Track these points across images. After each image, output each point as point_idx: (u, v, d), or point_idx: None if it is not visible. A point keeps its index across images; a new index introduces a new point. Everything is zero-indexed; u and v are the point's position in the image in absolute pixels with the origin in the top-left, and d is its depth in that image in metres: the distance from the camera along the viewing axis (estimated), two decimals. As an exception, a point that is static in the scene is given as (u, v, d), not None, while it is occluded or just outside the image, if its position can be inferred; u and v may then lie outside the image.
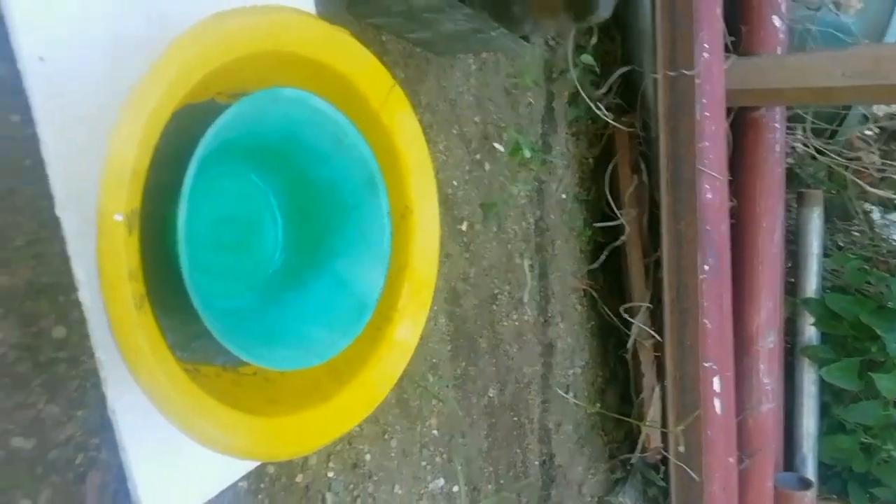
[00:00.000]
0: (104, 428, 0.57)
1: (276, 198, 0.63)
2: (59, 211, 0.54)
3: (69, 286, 0.55)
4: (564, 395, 1.21)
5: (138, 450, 0.57)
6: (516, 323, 1.09)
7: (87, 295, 0.56)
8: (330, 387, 0.61)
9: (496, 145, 1.03)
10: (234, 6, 0.51)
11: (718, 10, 1.17)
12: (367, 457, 0.82)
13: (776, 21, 1.29)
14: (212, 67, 0.47)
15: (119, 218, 0.41)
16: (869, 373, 1.33)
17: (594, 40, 1.20)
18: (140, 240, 0.47)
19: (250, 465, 0.67)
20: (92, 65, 0.50)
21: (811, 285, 1.48)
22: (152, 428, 0.58)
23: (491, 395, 1.04)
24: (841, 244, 1.68)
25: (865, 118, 1.47)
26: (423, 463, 0.90)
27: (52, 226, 0.54)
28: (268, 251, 0.64)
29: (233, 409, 0.50)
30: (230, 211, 0.61)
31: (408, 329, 0.67)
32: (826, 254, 1.53)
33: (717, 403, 1.22)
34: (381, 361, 0.64)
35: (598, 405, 1.29)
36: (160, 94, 0.42)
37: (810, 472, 1.47)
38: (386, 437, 0.85)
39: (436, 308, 0.92)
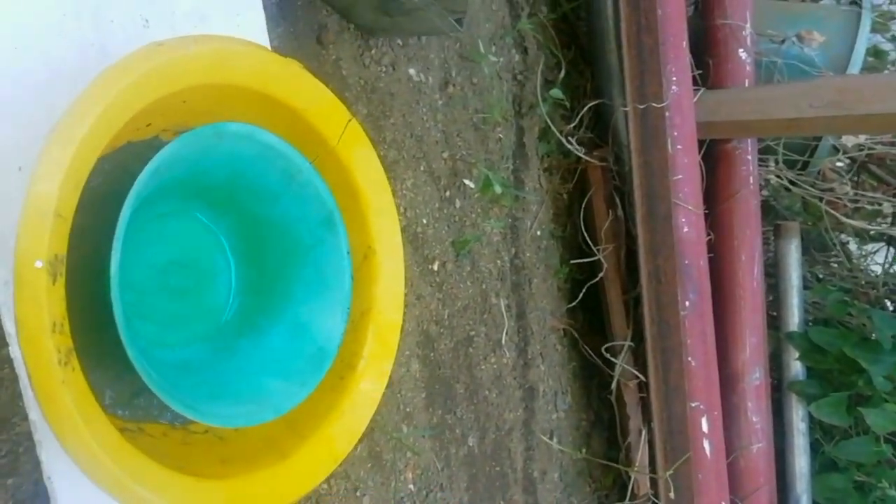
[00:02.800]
0: (39, 496, 0.52)
1: (227, 240, 0.60)
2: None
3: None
4: (548, 441, 1.16)
5: (77, 521, 0.52)
6: (494, 366, 1.05)
7: (19, 351, 0.51)
8: (289, 443, 0.56)
9: (466, 181, 1.00)
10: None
11: (685, 44, 1.17)
12: (338, 516, 0.77)
13: (742, 54, 1.30)
14: (148, 101, 0.44)
15: (40, 265, 0.37)
16: (858, 408, 1.30)
17: (563, 74, 1.20)
18: (72, 289, 0.42)
19: (206, 532, 0.62)
20: (21, 98, 0.47)
21: (794, 318, 1.46)
22: (93, 497, 0.53)
23: (470, 444, 0.99)
24: (820, 276, 1.66)
25: (835, 149, 1.47)
26: (399, 520, 0.85)
27: (-21, 277, 0.50)
28: (220, 296, 0.60)
29: (176, 472, 0.46)
30: (178, 255, 0.57)
31: (373, 377, 0.63)
32: (806, 286, 1.52)
33: (706, 445, 1.18)
34: (344, 414, 0.60)
35: (584, 451, 1.24)
36: (88, 128, 0.39)
37: (805, 512, 1.42)
38: (358, 493, 0.80)
39: (407, 353, 0.88)
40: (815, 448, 1.44)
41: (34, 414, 0.52)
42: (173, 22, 0.59)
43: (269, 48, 0.63)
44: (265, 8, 0.68)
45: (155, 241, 0.55)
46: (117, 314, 0.42)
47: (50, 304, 0.37)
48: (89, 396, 0.40)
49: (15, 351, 0.51)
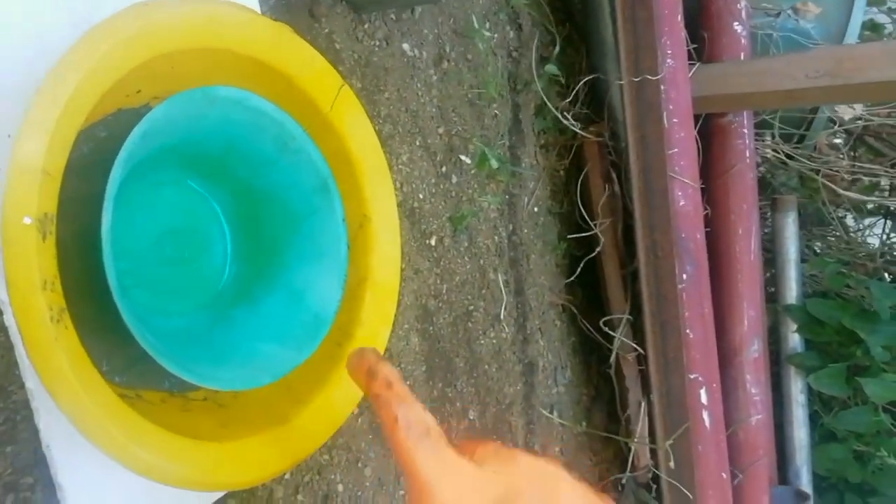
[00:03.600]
0: (38, 465, 0.52)
1: (222, 208, 0.60)
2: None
3: (-7, 310, 0.50)
4: (549, 415, 1.17)
5: (78, 488, 0.52)
6: (494, 341, 1.05)
7: (14, 319, 0.51)
8: (288, 408, 0.56)
9: (462, 157, 1.00)
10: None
11: (679, 17, 1.16)
12: (340, 487, 0.77)
13: (738, 27, 1.29)
14: (136, 62, 0.44)
15: (28, 221, 0.36)
16: (856, 378, 1.30)
17: (557, 50, 1.19)
18: (67, 259, 0.42)
19: (207, 500, 0.62)
20: (9, 69, 0.46)
21: (791, 292, 1.46)
22: (93, 463, 0.53)
23: (471, 417, 0.99)
24: (817, 250, 1.67)
25: (832, 122, 1.47)
26: (401, 492, 0.85)
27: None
28: (216, 265, 0.60)
29: (174, 434, 0.46)
30: (173, 223, 0.57)
31: (372, 345, 0.63)
32: (803, 259, 1.52)
33: (705, 416, 1.19)
34: (343, 380, 0.60)
35: (585, 424, 1.25)
36: (73, 87, 0.39)
37: (805, 484, 1.43)
38: (359, 465, 0.80)
39: (406, 326, 0.88)
40: (814, 419, 1.44)
41: (31, 382, 0.52)
42: (163, -9, 0.59)
43: (260, 16, 0.63)
44: (256, -21, 0.67)
45: (149, 209, 0.55)
46: (111, 278, 0.42)
47: (40, 261, 0.37)
48: (83, 355, 0.40)
49: (10, 319, 0.51)
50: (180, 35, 0.46)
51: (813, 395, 1.43)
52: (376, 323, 0.63)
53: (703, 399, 1.18)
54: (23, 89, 0.48)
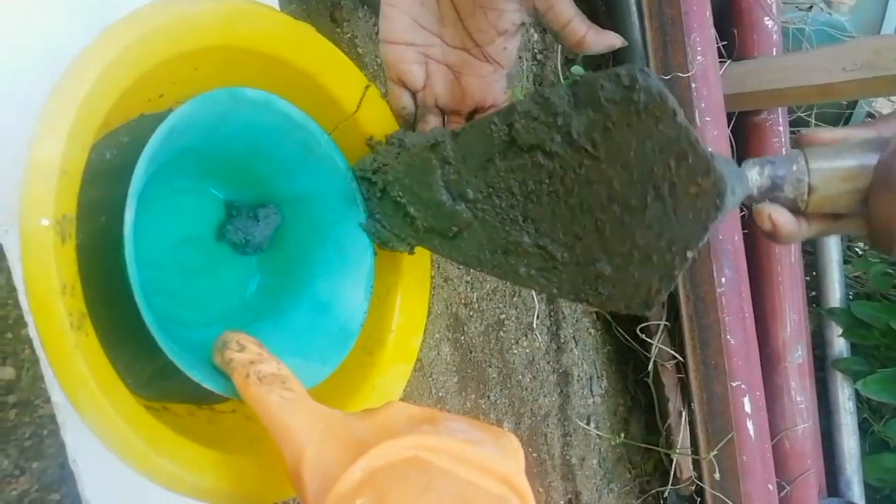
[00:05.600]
0: (65, 481, 0.50)
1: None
2: (1, 236, 0.48)
3: (18, 320, 0.49)
4: (585, 426, 1.13)
5: (105, 505, 0.51)
6: (527, 350, 1.02)
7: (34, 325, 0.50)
8: (317, 419, 0.54)
9: (489, 162, 0.98)
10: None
11: (708, 13, 1.13)
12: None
13: (768, 22, 1.26)
14: (156, 60, 0.42)
15: (46, 223, 0.35)
16: (908, 382, 1.24)
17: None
18: (88, 266, 0.41)
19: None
20: (25, 76, 0.45)
21: (835, 294, 1.41)
22: (121, 479, 0.52)
23: (506, 429, 0.96)
24: (859, 250, 1.61)
25: (870, 116, 1.42)
26: None
27: (-4, 254, 0.49)
28: (240, 275, 0.58)
29: (202, 447, 0.44)
30: (196, 231, 0.56)
31: (402, 353, 0.60)
32: (846, 261, 1.47)
33: (749, 425, 1.14)
34: (374, 389, 0.58)
35: (623, 435, 1.21)
36: (90, 86, 0.37)
37: (857, 496, 1.37)
38: (392, 480, 0.78)
39: (437, 336, 0.86)
40: (863, 427, 1.39)
41: (57, 396, 0.51)
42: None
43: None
44: (277, -15, 0.66)
45: (171, 216, 0.54)
46: (134, 282, 0.41)
47: (59, 265, 0.35)
48: (106, 363, 0.38)
49: (34, 331, 0.50)
50: (202, 31, 0.45)
51: (861, 401, 1.37)
52: (407, 330, 0.61)
53: (747, 407, 1.14)
54: (37, 93, 0.47)
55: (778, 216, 0.43)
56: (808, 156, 0.43)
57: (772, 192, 0.44)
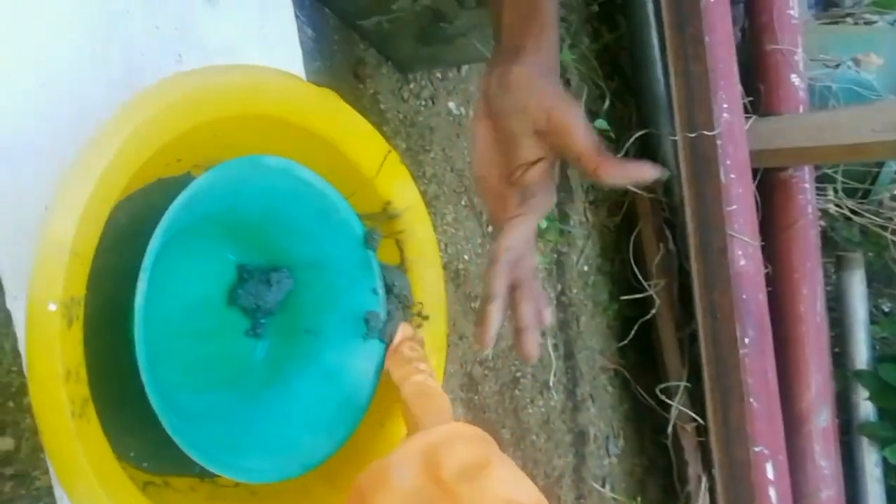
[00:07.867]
0: (61, 557, 0.49)
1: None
2: (9, 303, 0.47)
3: (21, 388, 0.48)
4: (601, 488, 1.10)
5: (101, 582, 0.49)
6: (542, 409, 0.99)
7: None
8: (323, 495, 0.52)
9: (509, 217, 0.96)
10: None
11: (734, 70, 1.12)
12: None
13: (795, 80, 1.24)
14: (175, 133, 0.42)
15: (53, 307, 0.34)
16: (938, 451, 1.20)
17: (607, 105, 1.16)
18: (93, 332, 0.40)
19: None
20: (47, 134, 0.45)
21: (861, 356, 1.37)
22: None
23: (518, 492, 0.93)
24: (886, 310, 1.57)
25: (899, 175, 1.39)
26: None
27: (3, 320, 0.48)
28: (249, 339, 0.56)
29: (201, 532, 0.42)
30: (207, 293, 0.54)
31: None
32: (872, 321, 1.43)
33: (772, 493, 1.10)
34: (386, 464, 0.56)
35: (639, 499, 1.17)
36: (108, 161, 0.37)
37: (884, 567, 1.31)
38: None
39: (451, 396, 0.83)
40: (891, 495, 1.33)
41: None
42: (206, 57, 0.58)
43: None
44: (301, 43, 0.66)
45: (182, 279, 0.52)
46: (140, 357, 0.39)
47: (64, 351, 0.34)
48: (107, 451, 0.37)
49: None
50: (222, 103, 0.44)
51: (889, 468, 1.32)
52: (421, 401, 0.59)
53: (770, 474, 1.10)
54: (59, 153, 0.47)
55: None
56: None
57: None
